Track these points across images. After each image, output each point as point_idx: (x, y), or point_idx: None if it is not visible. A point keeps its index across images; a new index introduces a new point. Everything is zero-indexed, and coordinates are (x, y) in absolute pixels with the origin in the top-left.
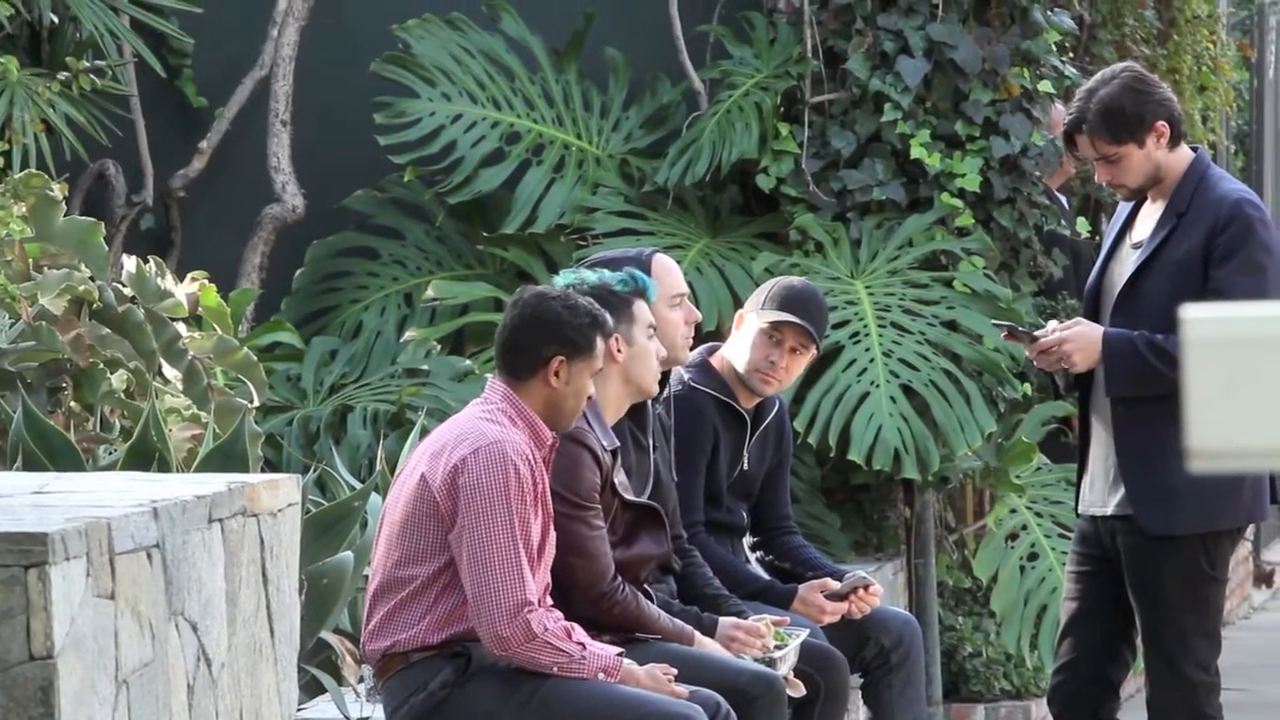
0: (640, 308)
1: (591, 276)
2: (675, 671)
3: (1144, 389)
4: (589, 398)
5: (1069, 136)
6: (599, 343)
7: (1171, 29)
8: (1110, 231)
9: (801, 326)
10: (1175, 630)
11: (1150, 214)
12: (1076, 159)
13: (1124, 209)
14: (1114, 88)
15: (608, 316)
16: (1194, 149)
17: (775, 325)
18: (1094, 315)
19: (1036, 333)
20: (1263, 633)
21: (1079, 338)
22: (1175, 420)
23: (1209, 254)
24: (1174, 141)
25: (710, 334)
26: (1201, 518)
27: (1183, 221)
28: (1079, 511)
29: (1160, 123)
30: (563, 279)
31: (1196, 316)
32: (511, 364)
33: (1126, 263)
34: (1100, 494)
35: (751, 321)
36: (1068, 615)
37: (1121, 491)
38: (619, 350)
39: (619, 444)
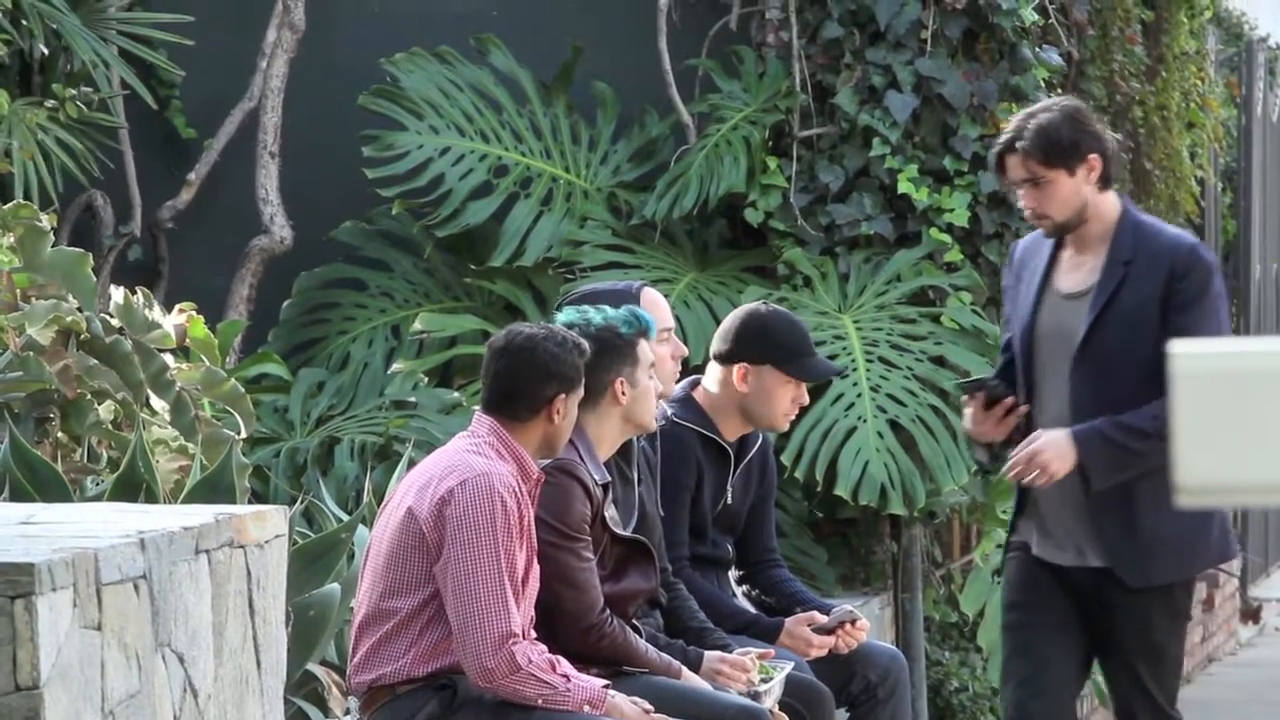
0: (643, 348)
1: (596, 317)
2: (652, 708)
3: (1128, 473)
4: (584, 433)
5: (1000, 158)
6: (583, 369)
7: (1160, 65)
8: (1026, 282)
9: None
10: (1171, 673)
11: (1079, 264)
12: (1005, 183)
13: (1036, 258)
14: (1054, 114)
15: (584, 342)
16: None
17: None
18: (1029, 369)
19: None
20: (1250, 669)
21: (1050, 446)
22: (1141, 472)
23: (1168, 299)
24: (1104, 182)
25: (696, 368)
26: (1178, 564)
27: (1132, 269)
28: (1036, 554)
29: (1094, 156)
30: (565, 317)
31: (1185, 351)
32: (510, 407)
33: (1069, 314)
34: (1063, 543)
35: (769, 377)
36: (1030, 663)
37: (1093, 544)
38: (623, 394)
39: (610, 478)
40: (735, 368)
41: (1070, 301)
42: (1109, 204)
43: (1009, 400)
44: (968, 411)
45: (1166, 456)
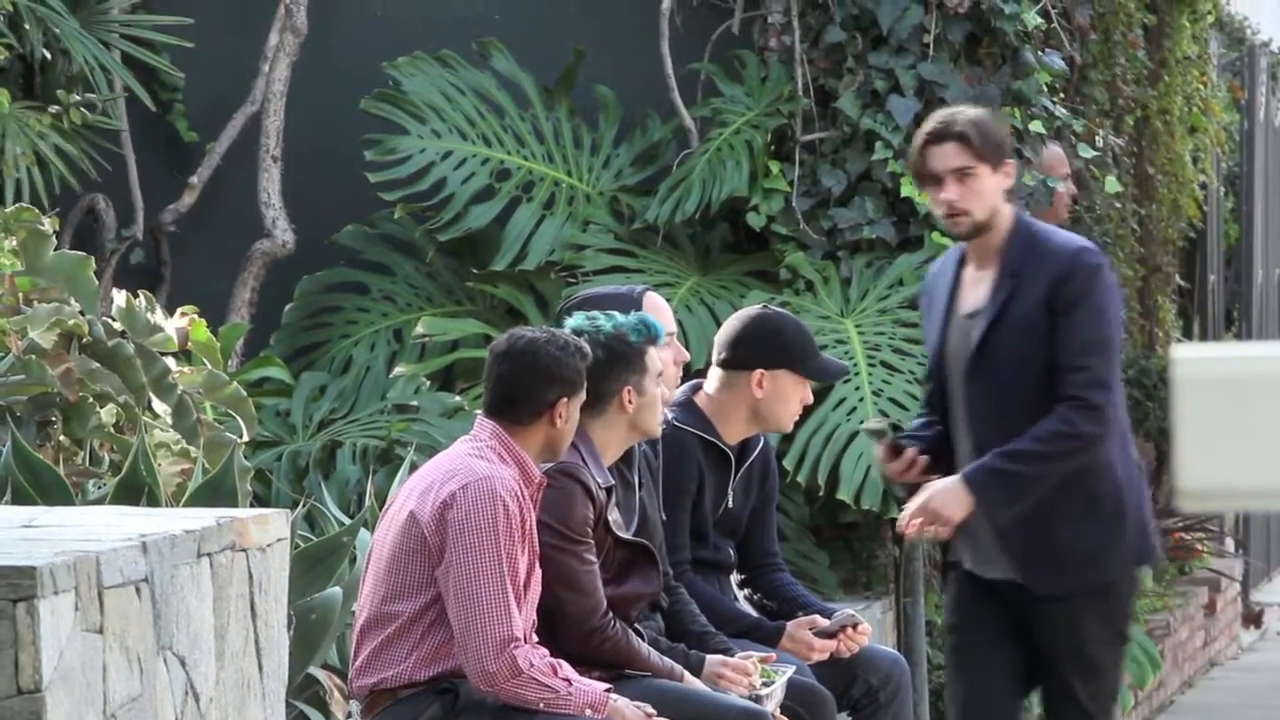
0: (651, 356)
1: (606, 324)
2: (653, 712)
3: (1028, 499)
4: (588, 438)
5: (924, 149)
6: (585, 373)
7: (1162, 70)
8: (933, 305)
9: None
10: (1106, 691)
11: (977, 281)
12: (922, 177)
13: (942, 281)
14: (984, 112)
15: (586, 346)
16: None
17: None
18: (941, 392)
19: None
20: (1252, 673)
21: (939, 495)
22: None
23: (1053, 304)
24: (1009, 194)
25: (698, 372)
26: (1089, 572)
27: (1020, 281)
28: (969, 570)
29: (1010, 162)
30: (574, 323)
31: (1187, 356)
32: (512, 411)
33: (968, 332)
34: (992, 557)
35: (784, 380)
36: (969, 685)
37: (1005, 557)
38: (630, 402)
39: (613, 482)
40: (753, 374)
41: (969, 320)
42: (1007, 216)
43: (909, 452)
44: (876, 455)
45: (1060, 471)
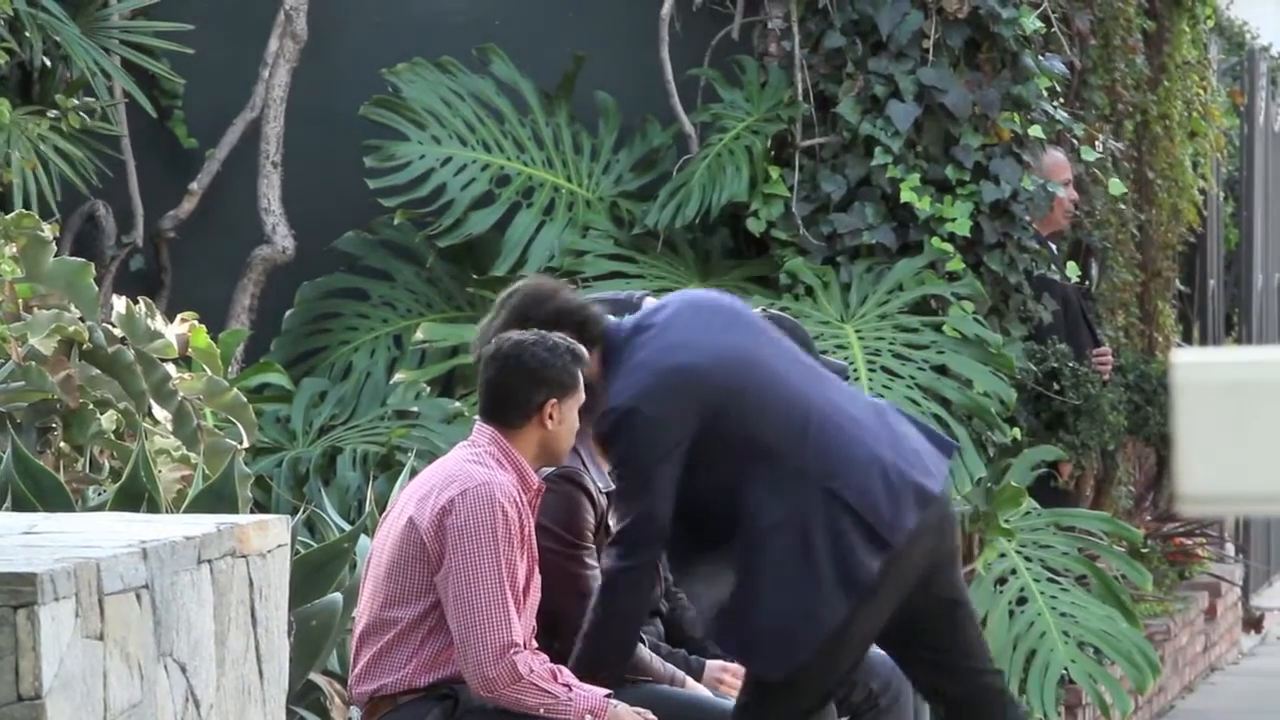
0: None
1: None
2: (654, 718)
3: (612, 655)
4: (587, 442)
5: None
6: (580, 375)
7: (1162, 75)
8: None
9: None
10: None
11: None
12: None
13: None
14: None
15: (582, 349)
16: None
17: None
18: None
19: None
20: (1252, 678)
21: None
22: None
23: None
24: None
25: None
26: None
27: None
28: None
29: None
30: None
31: (1187, 361)
32: (503, 414)
33: None
34: None
35: None
36: None
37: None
38: None
39: (614, 486)
40: None
41: None
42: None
43: None
44: None
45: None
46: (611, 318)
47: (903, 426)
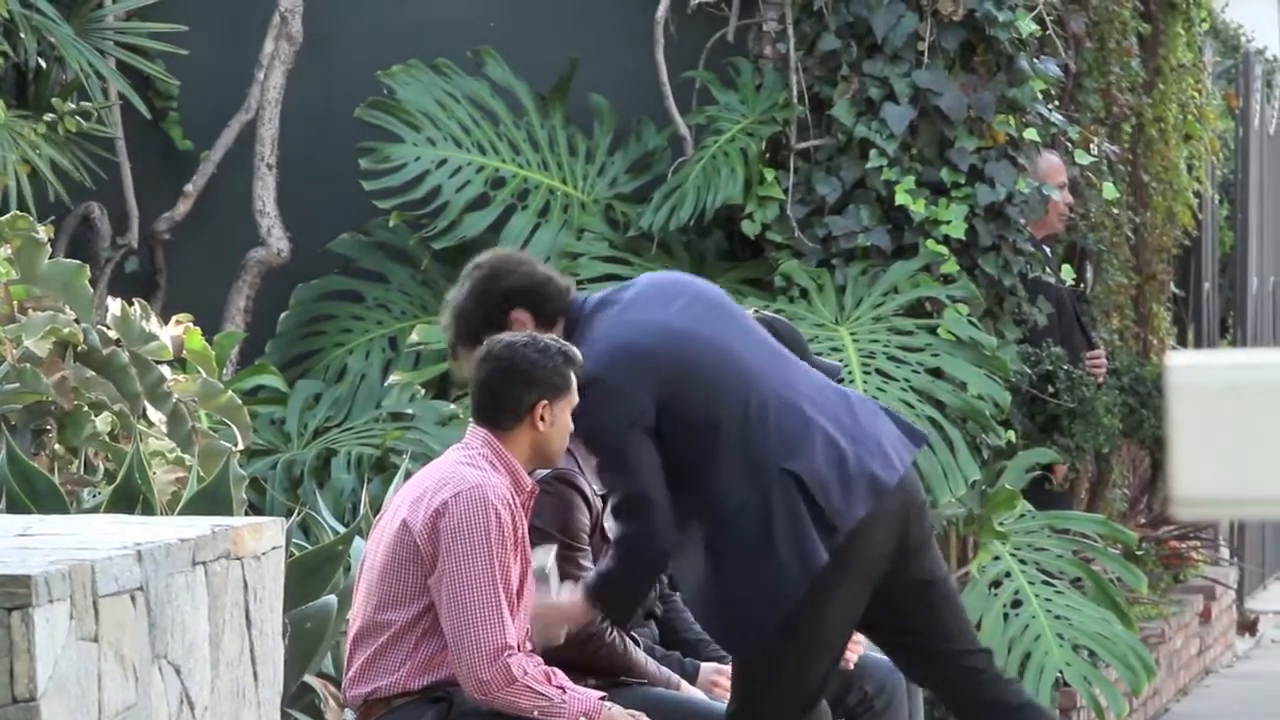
0: None
1: None
2: None
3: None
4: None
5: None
6: (573, 377)
7: (1157, 78)
8: None
9: None
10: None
11: None
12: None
13: None
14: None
15: (574, 350)
16: None
17: None
18: None
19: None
20: (1246, 681)
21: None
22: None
23: None
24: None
25: None
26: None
27: None
28: None
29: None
30: None
31: (1182, 364)
32: (494, 416)
33: None
34: None
35: None
36: None
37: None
38: None
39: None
40: None
41: None
42: None
43: None
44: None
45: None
46: (578, 292)
47: (868, 416)
